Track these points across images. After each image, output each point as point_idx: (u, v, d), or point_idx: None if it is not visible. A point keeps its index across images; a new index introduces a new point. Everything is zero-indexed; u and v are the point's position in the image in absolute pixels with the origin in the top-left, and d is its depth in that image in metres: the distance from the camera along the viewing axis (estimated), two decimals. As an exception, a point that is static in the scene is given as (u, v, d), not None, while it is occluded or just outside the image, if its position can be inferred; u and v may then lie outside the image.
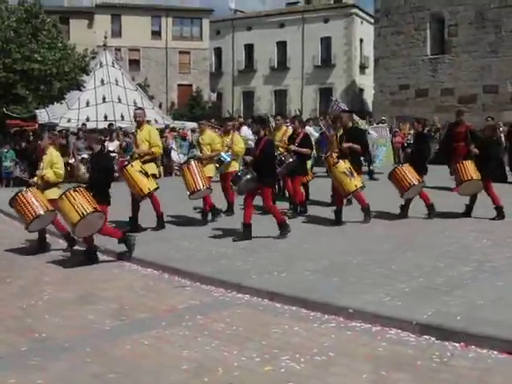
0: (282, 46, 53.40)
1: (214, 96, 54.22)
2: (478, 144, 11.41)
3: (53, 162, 9.27)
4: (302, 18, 52.41)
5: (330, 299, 6.04)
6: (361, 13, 51.68)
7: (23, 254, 9.16)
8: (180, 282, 7.34)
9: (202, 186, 10.37)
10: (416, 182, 10.51)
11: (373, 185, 13.66)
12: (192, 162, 10.73)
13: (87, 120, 26.06)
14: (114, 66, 30.39)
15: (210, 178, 11.22)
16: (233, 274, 7.21)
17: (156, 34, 52.87)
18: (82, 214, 7.95)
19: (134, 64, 50.91)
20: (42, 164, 9.42)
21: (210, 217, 11.11)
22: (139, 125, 10.57)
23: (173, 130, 25.25)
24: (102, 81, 29.15)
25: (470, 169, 10.59)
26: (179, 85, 53.26)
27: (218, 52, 56.74)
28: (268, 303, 6.36)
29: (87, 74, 26.80)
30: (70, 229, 8.39)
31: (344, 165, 10.12)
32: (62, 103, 26.74)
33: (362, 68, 51.73)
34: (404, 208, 10.93)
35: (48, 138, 9.83)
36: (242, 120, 23.83)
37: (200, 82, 52.85)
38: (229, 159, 11.71)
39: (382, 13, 35.04)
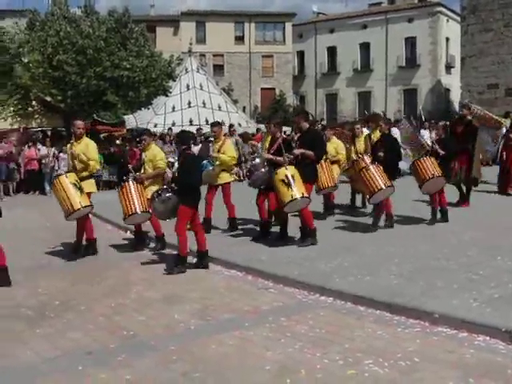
0: (365, 47, 52.85)
1: (297, 99, 54.40)
2: (443, 144, 11.04)
3: None
4: (385, 18, 51.71)
5: (415, 303, 5.92)
6: (446, 11, 50.43)
7: (112, 255, 9.48)
8: (263, 284, 7.40)
9: (138, 210, 9.02)
10: (384, 187, 9.75)
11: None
12: (130, 183, 9.26)
13: (173, 125, 26.77)
14: (198, 72, 31.09)
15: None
16: (316, 276, 7.19)
17: (239, 39, 53.56)
18: None
19: (218, 69, 51.82)
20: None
21: (154, 244, 9.84)
22: (78, 137, 9.35)
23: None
24: (188, 86, 29.86)
25: (432, 165, 10.21)
26: (262, 88, 53.70)
27: (301, 55, 56.80)
28: (351, 306, 6.31)
29: (173, 80, 27.47)
30: None
31: (284, 171, 8.81)
32: (148, 109, 27.60)
33: (448, 68, 50.44)
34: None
35: None
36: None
37: (283, 86, 53.08)
38: (210, 168, 10.50)
39: (469, 10, 34.11)
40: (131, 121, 26.26)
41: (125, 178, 9.46)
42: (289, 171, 8.81)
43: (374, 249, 8.66)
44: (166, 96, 27.59)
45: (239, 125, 27.20)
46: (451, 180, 11.67)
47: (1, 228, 9.06)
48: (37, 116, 24.66)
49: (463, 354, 4.87)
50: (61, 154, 19.67)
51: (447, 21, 50.25)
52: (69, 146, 9.59)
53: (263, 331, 5.59)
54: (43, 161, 20.59)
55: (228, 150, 10.54)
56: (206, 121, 27.98)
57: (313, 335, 5.44)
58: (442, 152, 10.84)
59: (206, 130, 24.70)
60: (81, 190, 8.83)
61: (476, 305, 5.79)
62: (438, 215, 10.57)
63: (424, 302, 5.93)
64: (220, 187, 10.61)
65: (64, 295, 7.11)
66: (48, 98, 24.42)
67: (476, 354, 4.85)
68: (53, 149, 20.65)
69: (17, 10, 36.92)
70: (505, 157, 14.57)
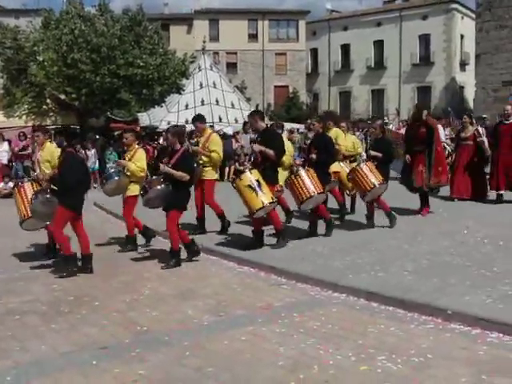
0: (378, 44, 52.69)
1: (311, 96, 54.37)
2: (380, 146, 10.48)
3: None
4: (399, 15, 51.51)
5: (428, 300, 5.91)
6: (461, 8, 50.16)
7: (126, 251, 9.53)
8: (276, 280, 7.41)
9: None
10: (316, 192, 9.18)
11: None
12: (25, 185, 8.94)
13: (186, 122, 26.78)
14: (212, 70, 31.19)
15: None
16: (329, 273, 7.19)
17: (253, 36, 53.61)
18: None
19: (232, 67, 51.93)
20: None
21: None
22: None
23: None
24: (201, 84, 29.97)
25: (372, 173, 9.77)
26: (276, 86, 53.71)
27: (315, 53, 56.75)
28: (364, 303, 6.31)
29: (187, 78, 27.52)
30: None
31: (249, 176, 8.44)
32: (162, 106, 27.69)
33: (463, 65, 50.17)
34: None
35: None
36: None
37: (296, 83, 53.05)
38: (116, 178, 9.60)
39: (485, 7, 33.92)
40: (145, 118, 26.39)
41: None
42: (254, 175, 8.46)
43: (386, 246, 8.66)
44: (180, 94, 27.67)
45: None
46: (416, 184, 11.23)
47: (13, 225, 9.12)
48: (51, 114, 24.78)
49: (476, 350, 4.86)
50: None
51: (462, 18, 49.99)
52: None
53: (276, 327, 5.60)
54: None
55: (139, 160, 9.65)
56: (220, 118, 28.10)
57: (325, 331, 5.45)
58: (378, 155, 10.26)
59: (217, 127, 24.80)
60: None
61: (489, 301, 5.77)
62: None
63: (437, 299, 5.91)
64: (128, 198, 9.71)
65: (78, 291, 7.17)
66: (62, 96, 24.53)
67: (489, 351, 4.83)
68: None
69: (32, 9, 37.17)
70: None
